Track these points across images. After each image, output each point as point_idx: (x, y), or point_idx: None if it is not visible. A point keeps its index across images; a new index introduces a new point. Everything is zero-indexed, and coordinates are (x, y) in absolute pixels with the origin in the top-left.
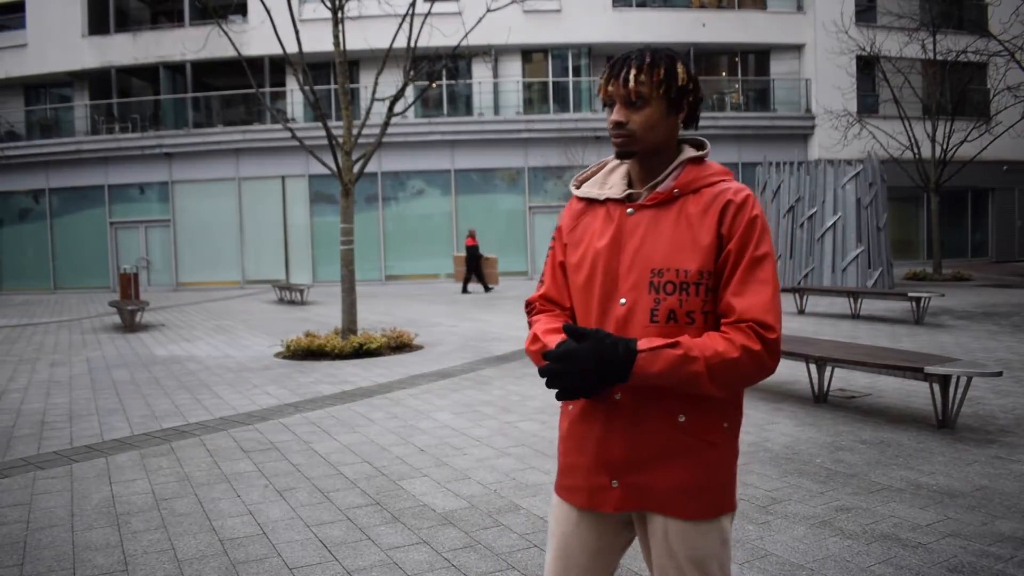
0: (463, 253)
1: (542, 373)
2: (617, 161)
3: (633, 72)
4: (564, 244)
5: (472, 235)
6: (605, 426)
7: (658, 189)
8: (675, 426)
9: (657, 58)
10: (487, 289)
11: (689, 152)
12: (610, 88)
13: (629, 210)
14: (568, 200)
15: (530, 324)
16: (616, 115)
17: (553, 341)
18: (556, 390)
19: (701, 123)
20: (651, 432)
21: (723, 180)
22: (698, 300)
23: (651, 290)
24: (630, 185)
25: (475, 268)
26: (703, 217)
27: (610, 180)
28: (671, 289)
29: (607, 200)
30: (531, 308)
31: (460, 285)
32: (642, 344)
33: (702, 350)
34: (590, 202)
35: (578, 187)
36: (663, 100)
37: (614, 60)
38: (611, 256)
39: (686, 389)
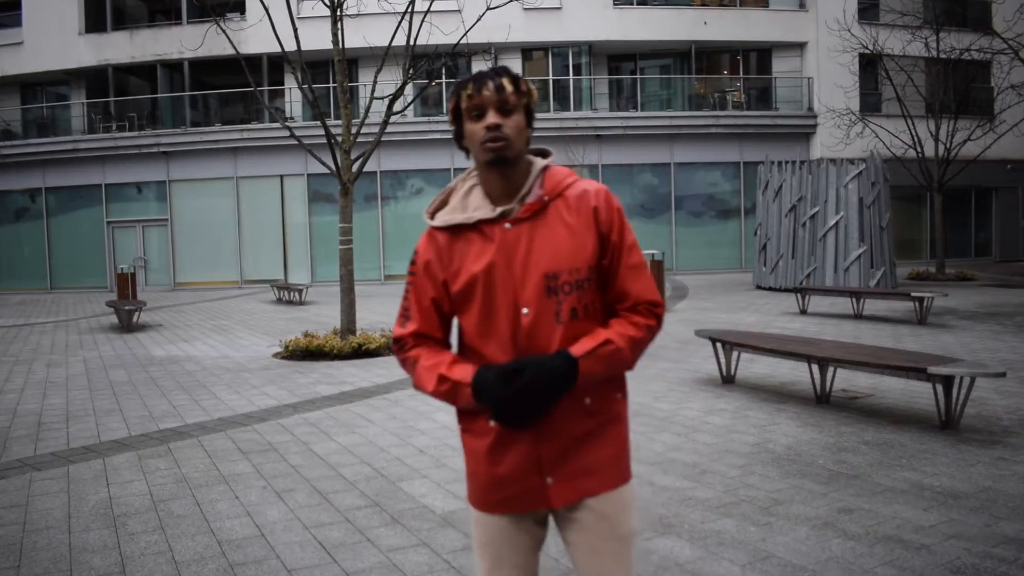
0: None
1: (498, 413)
2: (467, 184)
3: (506, 80)
4: (440, 279)
5: None
6: (534, 431)
7: (528, 200)
8: (584, 409)
9: (518, 75)
10: None
11: (540, 161)
12: (484, 94)
13: (507, 225)
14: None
15: (405, 360)
16: (493, 119)
17: (464, 374)
18: (511, 422)
19: (702, 121)
20: (569, 422)
21: (577, 180)
22: (591, 294)
23: (549, 294)
24: (493, 203)
25: None
26: (577, 217)
27: (470, 203)
28: (568, 289)
29: (479, 222)
30: (403, 345)
31: None
32: (575, 350)
33: (623, 339)
34: (455, 230)
35: (432, 217)
36: (523, 112)
37: (473, 76)
38: (501, 272)
39: (612, 374)
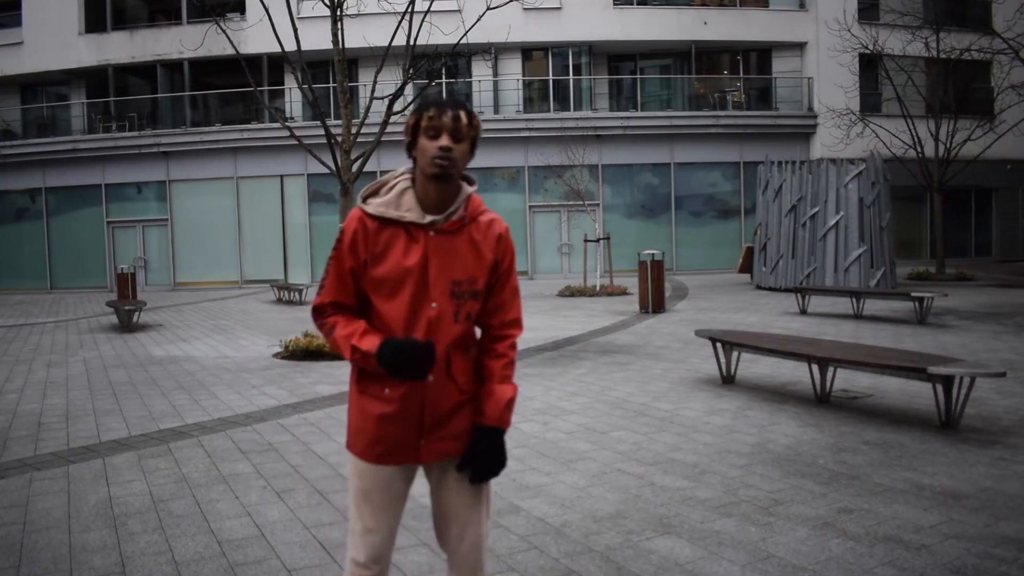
0: (750, 243)
1: (394, 373)
2: (404, 183)
3: (463, 113)
4: (362, 258)
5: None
6: (422, 405)
7: (453, 218)
8: (458, 389)
9: (472, 110)
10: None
11: (468, 188)
12: (444, 120)
13: (431, 233)
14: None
15: (323, 325)
16: (446, 141)
17: (371, 345)
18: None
19: (702, 121)
20: (448, 399)
21: (487, 211)
22: (479, 305)
23: (452, 297)
24: (424, 210)
25: None
26: (484, 242)
27: (403, 203)
28: (467, 296)
29: (409, 223)
30: (322, 311)
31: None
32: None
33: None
34: (385, 221)
35: (364, 201)
36: (469, 143)
37: (437, 99)
38: (421, 270)
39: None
